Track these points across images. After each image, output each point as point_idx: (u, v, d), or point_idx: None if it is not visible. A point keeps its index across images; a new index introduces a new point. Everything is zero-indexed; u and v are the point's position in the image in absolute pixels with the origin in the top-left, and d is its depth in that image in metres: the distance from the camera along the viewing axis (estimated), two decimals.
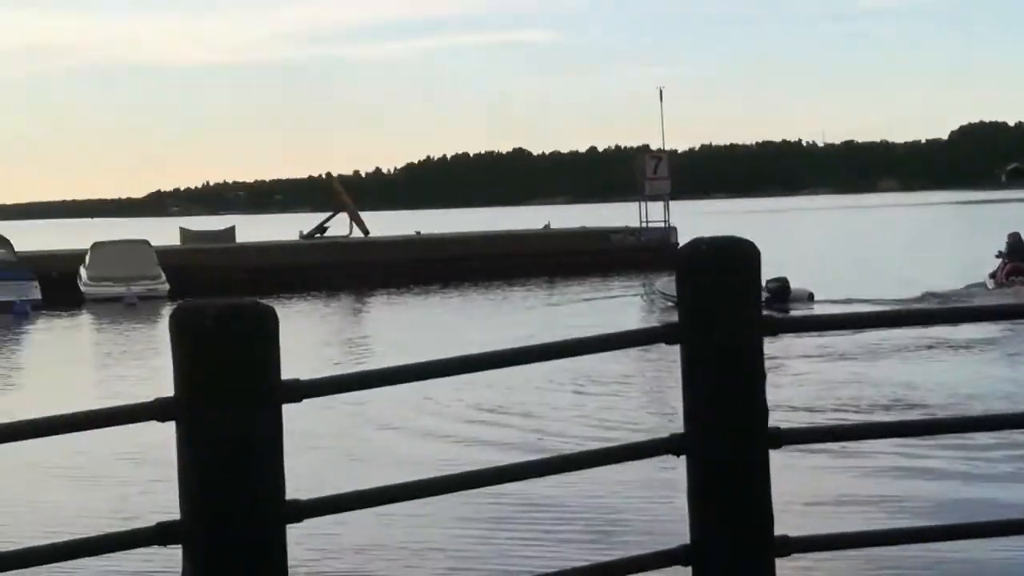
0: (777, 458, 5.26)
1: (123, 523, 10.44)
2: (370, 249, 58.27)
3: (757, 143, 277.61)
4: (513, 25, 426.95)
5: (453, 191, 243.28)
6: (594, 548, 11.05)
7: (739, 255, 5.16)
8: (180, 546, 4.60)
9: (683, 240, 6.72)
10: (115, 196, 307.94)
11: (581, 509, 12.60)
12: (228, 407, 4.54)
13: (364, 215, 63.99)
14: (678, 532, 5.46)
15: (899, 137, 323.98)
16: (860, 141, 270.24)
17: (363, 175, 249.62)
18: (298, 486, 4.75)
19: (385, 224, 75.03)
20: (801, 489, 12.46)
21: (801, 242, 72.98)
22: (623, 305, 39.25)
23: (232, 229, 61.22)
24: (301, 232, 61.58)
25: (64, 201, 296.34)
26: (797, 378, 20.63)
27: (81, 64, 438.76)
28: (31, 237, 70.22)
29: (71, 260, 48.97)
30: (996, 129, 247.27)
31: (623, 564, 5.43)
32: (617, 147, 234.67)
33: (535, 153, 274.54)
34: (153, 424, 4.70)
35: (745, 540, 5.13)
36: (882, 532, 7.63)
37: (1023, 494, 12.95)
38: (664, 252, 51.30)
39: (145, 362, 27.77)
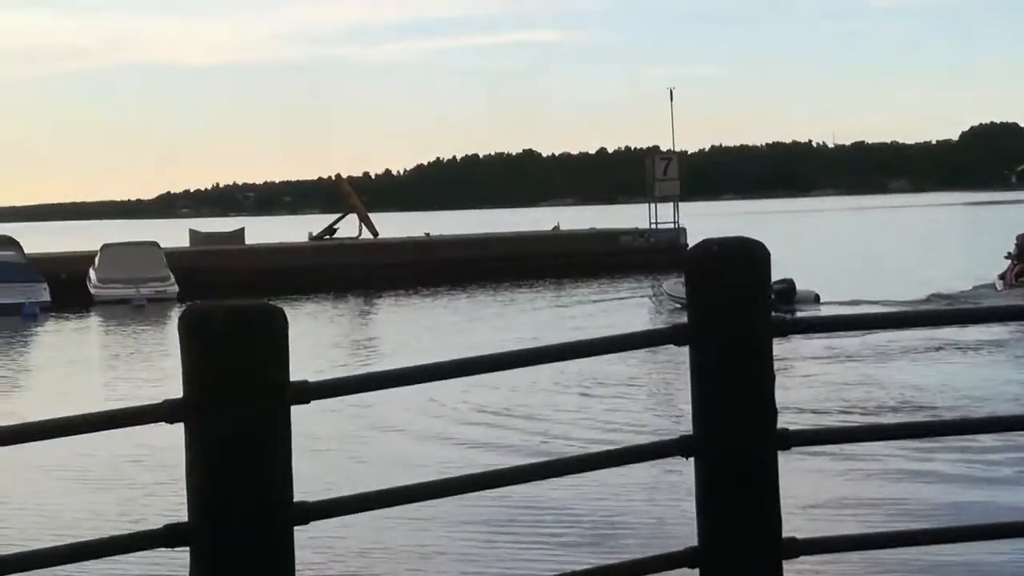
0: (780, 460, 5.24)
1: (130, 525, 10.44)
2: (378, 251, 58.31)
3: (767, 144, 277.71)
4: (521, 25, 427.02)
5: (463, 192, 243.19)
6: (598, 551, 11.04)
7: (749, 256, 5.13)
8: (188, 548, 4.59)
9: (693, 241, 6.68)
10: (124, 198, 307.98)
11: (586, 512, 12.59)
12: (237, 409, 4.53)
13: (374, 216, 64.03)
14: (683, 535, 5.45)
15: (909, 138, 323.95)
16: (870, 142, 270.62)
17: (373, 176, 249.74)
18: (303, 488, 4.74)
19: (395, 226, 75.12)
20: (802, 491, 12.43)
21: (810, 243, 72.89)
22: (632, 307, 39.20)
23: (242, 231, 61.31)
24: (310, 234, 61.61)
25: (73, 203, 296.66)
26: (805, 380, 20.61)
27: (86, 65, 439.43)
28: (40, 239, 70.35)
29: (80, 262, 49.02)
30: (1007, 130, 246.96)
31: (628, 567, 5.41)
32: (627, 148, 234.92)
33: (545, 154, 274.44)
34: (160, 426, 4.69)
35: (753, 542, 5.11)
36: (891, 534, 7.61)
37: None
38: (674, 253, 51.25)
39: (154, 364, 27.79)
